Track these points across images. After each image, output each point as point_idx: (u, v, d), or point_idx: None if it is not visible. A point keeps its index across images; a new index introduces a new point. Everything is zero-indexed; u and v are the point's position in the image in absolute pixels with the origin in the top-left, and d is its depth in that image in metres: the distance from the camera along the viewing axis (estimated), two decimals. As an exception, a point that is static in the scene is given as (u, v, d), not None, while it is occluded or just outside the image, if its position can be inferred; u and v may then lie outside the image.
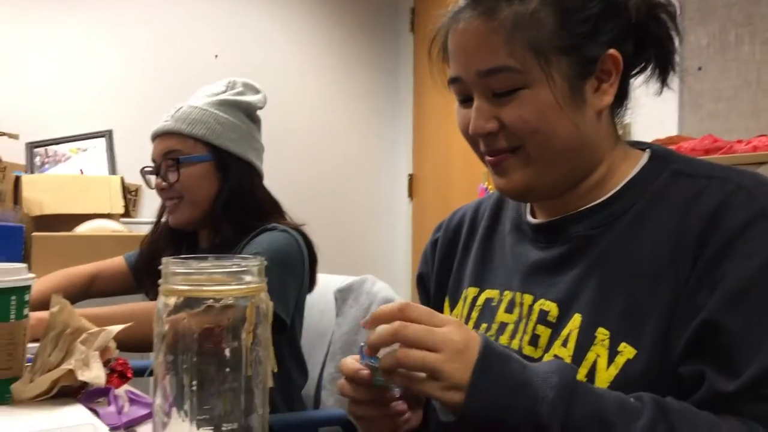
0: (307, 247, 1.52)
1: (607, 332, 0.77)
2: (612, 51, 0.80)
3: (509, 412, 0.67)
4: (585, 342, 0.78)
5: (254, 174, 1.56)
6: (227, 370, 0.69)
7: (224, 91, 1.58)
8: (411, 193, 4.03)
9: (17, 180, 2.62)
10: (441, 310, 1.00)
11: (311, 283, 1.56)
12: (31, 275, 0.92)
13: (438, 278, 1.03)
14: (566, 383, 0.67)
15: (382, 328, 0.70)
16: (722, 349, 0.70)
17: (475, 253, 0.97)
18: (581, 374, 0.77)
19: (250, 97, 1.58)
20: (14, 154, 2.81)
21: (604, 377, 0.75)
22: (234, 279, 0.69)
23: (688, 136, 2.31)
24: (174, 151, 1.52)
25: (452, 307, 0.98)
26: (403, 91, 4.07)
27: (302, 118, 3.75)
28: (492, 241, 0.97)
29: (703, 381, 0.70)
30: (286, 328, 1.42)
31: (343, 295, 1.69)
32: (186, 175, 1.51)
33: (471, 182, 3.45)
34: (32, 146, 2.91)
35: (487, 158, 0.84)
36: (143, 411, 0.87)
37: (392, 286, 1.72)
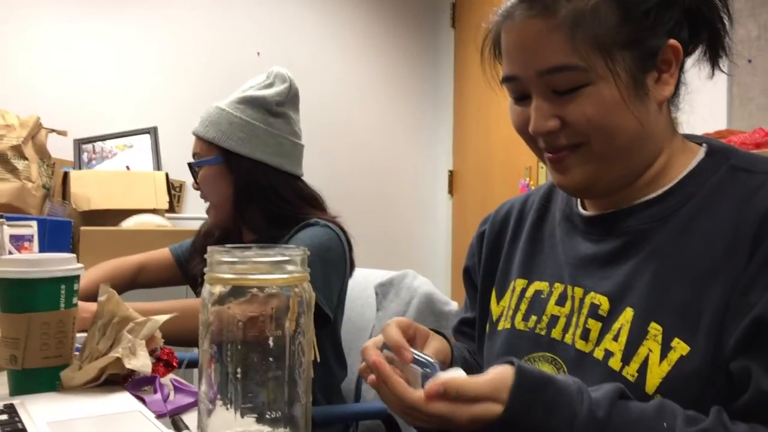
0: (345, 237, 1.53)
1: (660, 327, 0.75)
2: (672, 41, 0.78)
3: None
4: (637, 336, 0.76)
5: (268, 170, 1.53)
6: (270, 359, 0.69)
7: (258, 84, 1.58)
8: (451, 190, 4.02)
9: (66, 176, 2.69)
10: (488, 302, 0.99)
11: (351, 268, 1.56)
12: (80, 265, 0.94)
13: (485, 270, 1.02)
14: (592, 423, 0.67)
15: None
16: None
17: (524, 244, 0.96)
18: (633, 369, 0.76)
19: (266, 92, 1.56)
20: (63, 150, 2.89)
21: (657, 372, 0.74)
22: (277, 268, 0.69)
23: (737, 130, 2.25)
24: (196, 154, 1.58)
25: (499, 298, 0.98)
26: (443, 87, 4.05)
27: (343, 114, 3.77)
28: (541, 232, 0.96)
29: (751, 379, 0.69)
30: (330, 323, 1.43)
31: (384, 290, 1.69)
32: (201, 178, 1.56)
33: (512, 179, 3.42)
34: (80, 143, 2.98)
35: (547, 155, 0.83)
36: (188, 399, 0.89)
37: (432, 281, 1.71)
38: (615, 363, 0.77)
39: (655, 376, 0.74)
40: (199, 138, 1.56)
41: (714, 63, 0.85)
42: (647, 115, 0.79)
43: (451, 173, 4.02)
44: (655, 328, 0.75)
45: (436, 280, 1.77)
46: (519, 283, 0.94)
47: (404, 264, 1.88)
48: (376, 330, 1.66)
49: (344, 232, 1.53)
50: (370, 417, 1.55)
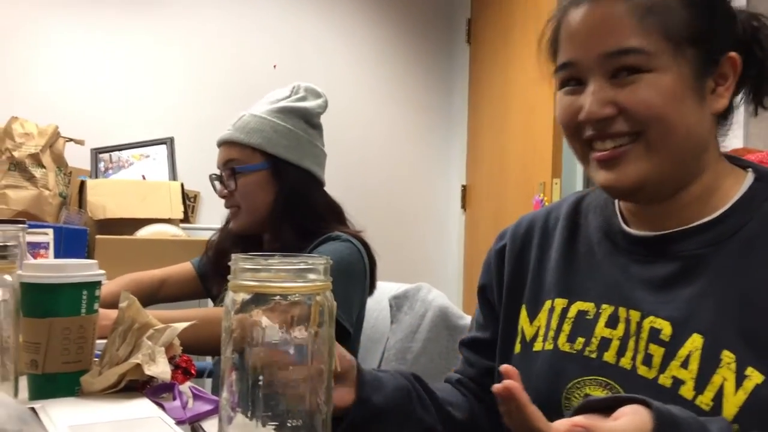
0: (367, 253, 1.53)
1: (732, 355, 0.74)
2: (733, 53, 0.80)
3: None
4: (710, 365, 0.75)
5: (311, 180, 1.56)
6: (291, 367, 0.69)
7: (287, 97, 1.59)
8: (464, 204, 4.02)
9: (82, 184, 2.71)
10: (516, 320, 0.96)
11: (371, 286, 1.56)
12: (102, 271, 0.95)
13: (510, 287, 0.98)
14: None
15: None
16: None
17: (557, 262, 0.93)
18: (707, 397, 0.74)
19: (308, 103, 1.58)
20: (80, 159, 2.91)
21: (733, 401, 0.73)
22: (300, 276, 0.69)
23: (754, 148, 2.24)
24: (233, 160, 1.55)
25: (532, 317, 0.94)
26: (457, 102, 4.07)
27: (358, 128, 3.78)
28: (574, 249, 0.93)
29: None
30: (350, 337, 1.42)
31: (398, 302, 1.68)
32: (243, 184, 1.54)
33: (526, 194, 3.42)
34: (97, 152, 3.00)
35: (595, 154, 0.82)
36: (207, 407, 0.89)
37: (445, 294, 1.71)
38: (686, 391, 0.76)
39: (731, 405, 0.72)
40: (240, 144, 1.54)
41: (758, 102, 0.86)
42: (702, 119, 0.80)
43: (464, 188, 4.02)
44: (728, 356, 0.74)
45: (448, 294, 1.76)
46: (558, 303, 0.91)
47: (417, 278, 1.87)
48: (390, 342, 1.66)
49: (367, 247, 1.53)
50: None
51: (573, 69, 0.82)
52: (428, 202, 4.04)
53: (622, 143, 0.80)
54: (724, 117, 0.85)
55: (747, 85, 0.85)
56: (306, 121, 1.58)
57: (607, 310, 0.85)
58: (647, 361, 0.80)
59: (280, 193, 1.53)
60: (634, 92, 0.77)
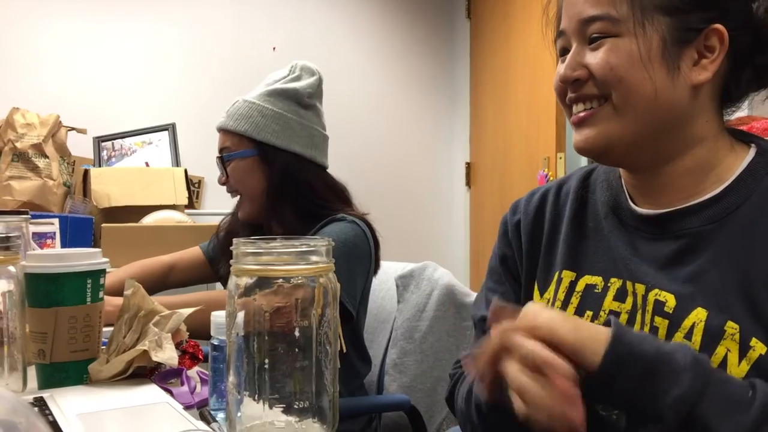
0: (372, 235, 1.52)
1: (737, 326, 0.74)
2: (717, 25, 0.79)
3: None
4: (714, 336, 0.75)
5: (303, 163, 1.54)
6: (297, 349, 0.69)
7: (283, 77, 1.58)
8: (468, 182, 4.01)
9: (86, 173, 2.71)
10: (530, 294, 0.96)
11: (376, 266, 1.56)
12: (105, 259, 0.95)
13: (527, 261, 0.98)
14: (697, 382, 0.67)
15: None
16: None
17: (565, 235, 0.93)
18: None
19: (298, 83, 1.56)
20: (83, 148, 2.91)
21: (736, 372, 0.73)
22: (302, 259, 0.69)
23: (759, 116, 2.22)
24: (225, 148, 1.56)
25: (542, 290, 0.94)
26: (459, 79, 4.04)
27: (360, 108, 3.77)
28: (582, 223, 0.93)
29: None
30: (353, 319, 1.42)
31: (404, 282, 1.68)
32: (233, 171, 1.55)
33: (530, 170, 3.41)
34: (100, 140, 3.00)
35: (571, 120, 0.86)
36: (215, 391, 0.89)
37: (451, 273, 1.71)
38: None
39: (735, 376, 0.73)
40: (229, 132, 1.54)
41: (759, 86, 0.86)
42: (672, 88, 0.80)
43: (468, 165, 4.00)
44: (732, 327, 0.74)
45: (454, 272, 1.76)
46: (566, 275, 0.91)
47: (423, 256, 1.87)
48: (398, 322, 1.66)
49: (372, 229, 1.53)
50: (393, 409, 1.56)
51: (564, 38, 0.86)
52: (433, 180, 4.03)
53: (592, 106, 0.83)
54: (728, 97, 0.85)
55: (751, 67, 0.84)
56: (297, 102, 1.56)
57: (615, 283, 0.86)
58: (653, 333, 0.80)
59: (271, 178, 1.52)
60: (600, 56, 0.81)
